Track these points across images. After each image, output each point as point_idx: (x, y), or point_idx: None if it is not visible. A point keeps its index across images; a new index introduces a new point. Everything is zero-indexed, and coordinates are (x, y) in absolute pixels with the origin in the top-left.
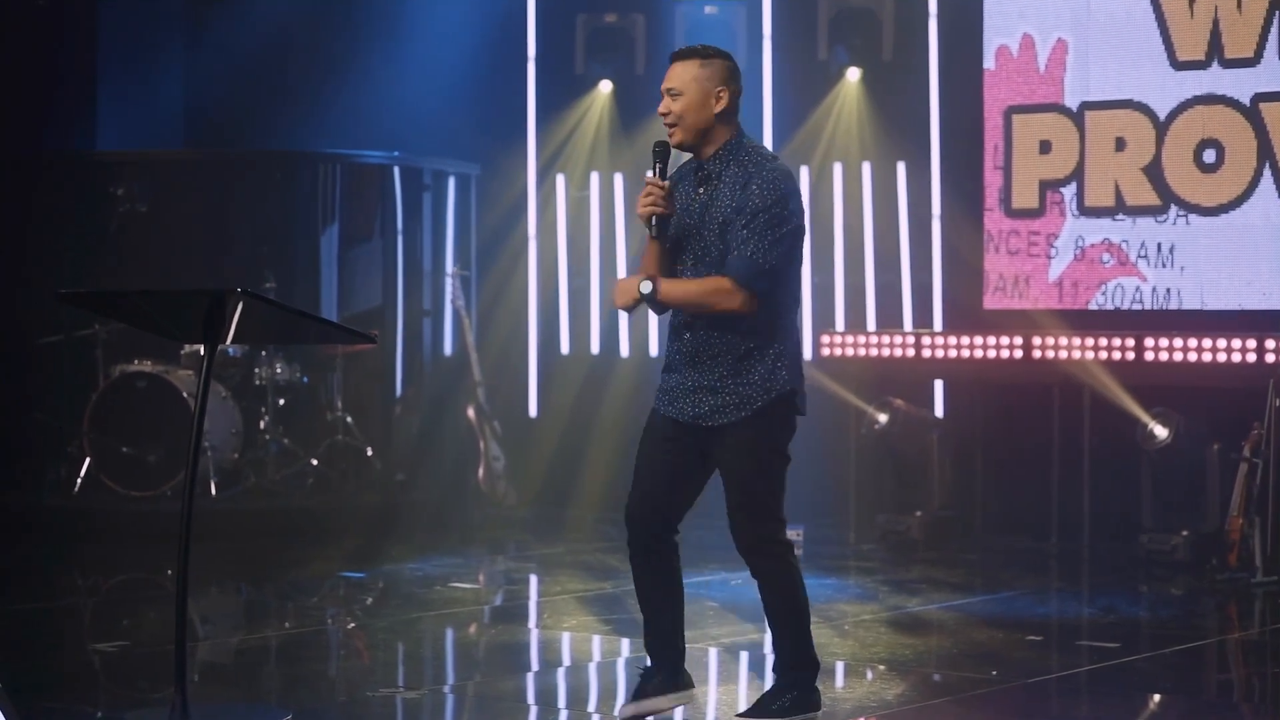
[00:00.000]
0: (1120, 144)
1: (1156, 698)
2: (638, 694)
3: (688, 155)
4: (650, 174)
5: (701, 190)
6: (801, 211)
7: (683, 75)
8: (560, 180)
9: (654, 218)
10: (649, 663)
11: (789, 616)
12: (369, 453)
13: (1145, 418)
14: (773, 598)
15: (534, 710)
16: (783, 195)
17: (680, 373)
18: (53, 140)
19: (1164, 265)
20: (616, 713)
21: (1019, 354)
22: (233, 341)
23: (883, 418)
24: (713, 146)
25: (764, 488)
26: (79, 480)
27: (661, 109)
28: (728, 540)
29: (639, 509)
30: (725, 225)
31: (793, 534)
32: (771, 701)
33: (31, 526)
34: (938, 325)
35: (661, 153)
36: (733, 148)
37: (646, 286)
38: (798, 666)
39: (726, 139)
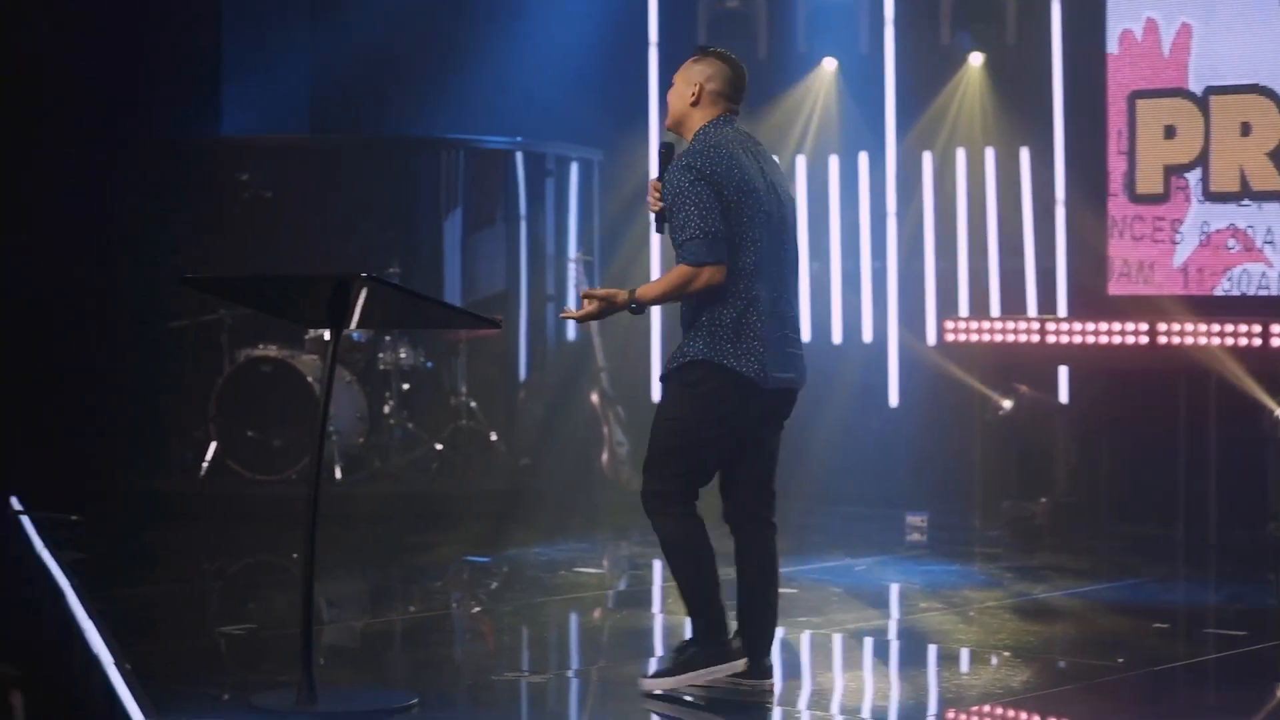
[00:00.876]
0: (1245, 129)
1: None
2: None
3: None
4: (655, 174)
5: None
6: (711, 167)
7: (681, 70)
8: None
9: (656, 215)
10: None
11: (677, 576)
12: (493, 438)
13: (1272, 404)
14: (663, 553)
15: (656, 694)
16: (687, 166)
17: None
18: (179, 127)
19: None
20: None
21: (1144, 340)
22: (357, 326)
23: (1007, 404)
24: (689, 133)
25: (657, 447)
26: (205, 464)
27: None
28: (851, 527)
29: None
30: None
31: (917, 520)
32: (673, 657)
33: (158, 510)
34: (1062, 311)
35: (665, 154)
36: (694, 138)
37: (625, 297)
38: (695, 621)
39: (695, 131)
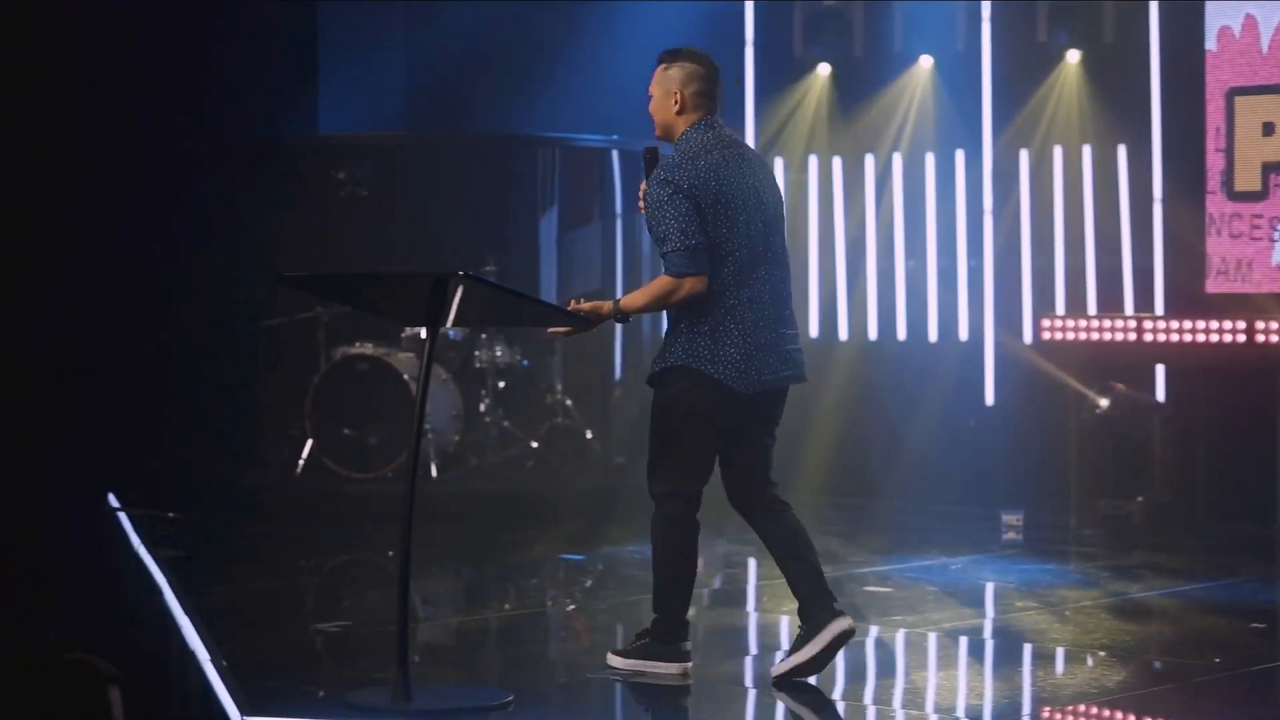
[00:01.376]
0: None
1: None
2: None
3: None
4: (644, 180)
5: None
6: (688, 180)
7: (654, 79)
8: (779, 164)
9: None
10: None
11: (657, 568)
12: (589, 435)
13: None
14: (652, 548)
15: (751, 694)
16: (664, 180)
17: None
18: (276, 125)
19: None
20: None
21: (1241, 338)
22: (453, 324)
23: (1104, 402)
24: (674, 140)
25: (651, 451)
26: (301, 462)
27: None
28: (946, 525)
29: None
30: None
31: (1012, 518)
32: (631, 640)
33: (254, 507)
34: (1159, 309)
35: (650, 159)
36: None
37: (610, 308)
38: (657, 615)
39: (682, 135)
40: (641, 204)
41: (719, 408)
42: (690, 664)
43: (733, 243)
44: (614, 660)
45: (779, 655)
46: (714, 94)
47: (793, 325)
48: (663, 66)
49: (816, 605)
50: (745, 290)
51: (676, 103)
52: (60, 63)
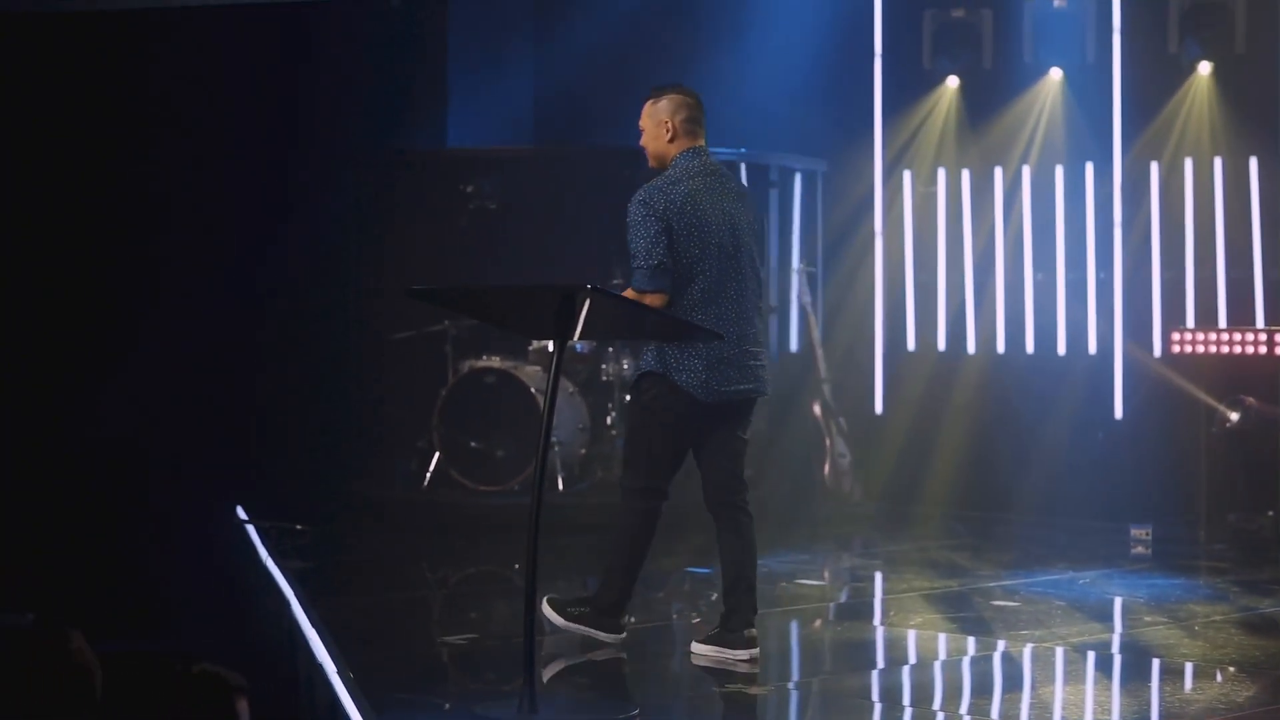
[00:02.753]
0: None
1: None
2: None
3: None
4: None
5: None
6: (664, 203)
7: (644, 112)
8: (907, 176)
9: None
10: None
11: (618, 551)
12: None
13: None
14: (617, 533)
15: (878, 708)
16: (643, 201)
17: None
18: (405, 139)
19: None
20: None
21: None
22: (580, 337)
23: (1234, 415)
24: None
25: (627, 446)
26: (428, 474)
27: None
28: (1074, 539)
29: None
30: None
31: (1141, 532)
32: (571, 604)
33: (382, 519)
34: None
35: None
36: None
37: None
38: (604, 590)
39: (671, 162)
40: None
41: (685, 414)
42: (622, 637)
43: (704, 263)
44: (554, 617)
45: (697, 642)
46: (701, 121)
47: (757, 343)
48: (651, 101)
49: (739, 620)
50: (713, 308)
51: (668, 131)
52: (194, 74)
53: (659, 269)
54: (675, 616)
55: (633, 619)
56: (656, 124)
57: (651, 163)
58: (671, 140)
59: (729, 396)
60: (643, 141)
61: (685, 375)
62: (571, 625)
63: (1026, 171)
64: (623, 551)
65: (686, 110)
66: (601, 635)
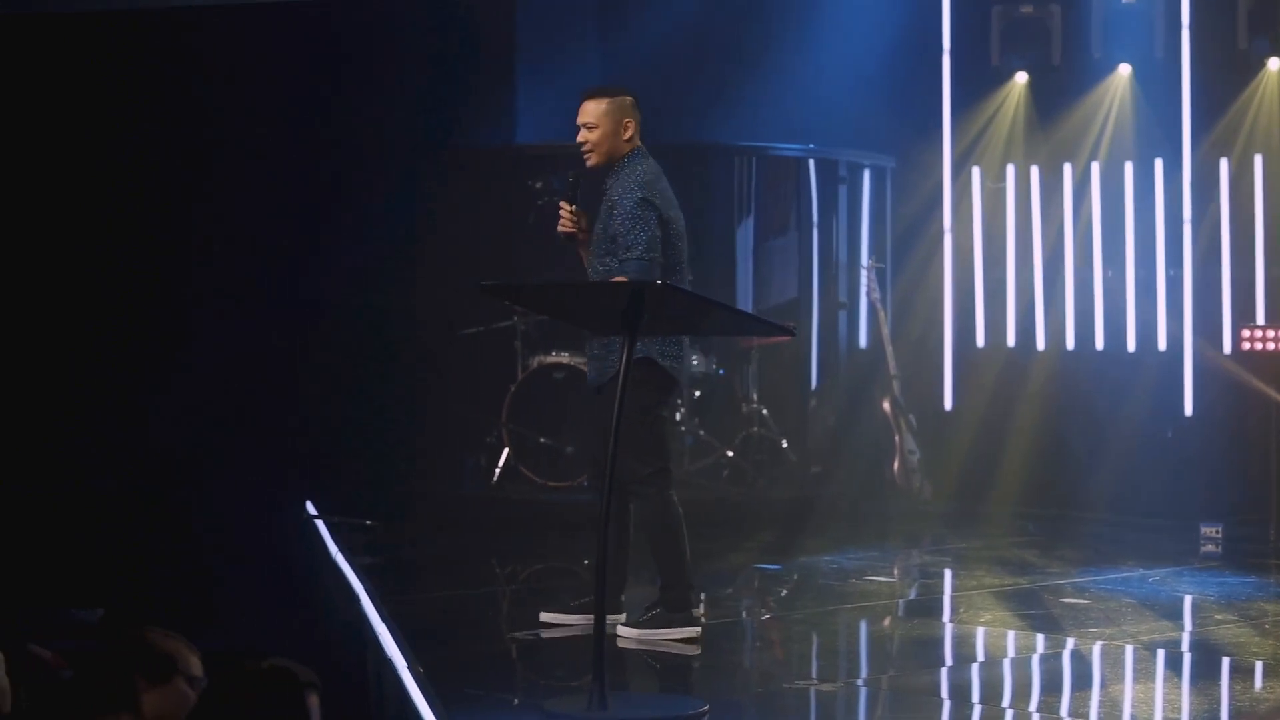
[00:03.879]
0: None
1: None
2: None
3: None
4: (564, 202)
5: (602, 200)
6: (659, 199)
7: (595, 111)
8: (976, 172)
9: (567, 235)
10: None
11: (661, 545)
12: (784, 445)
13: None
14: (648, 530)
15: (947, 705)
16: (643, 200)
17: None
18: (473, 135)
19: None
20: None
21: None
22: (647, 332)
23: None
24: (616, 163)
25: (629, 434)
26: (497, 470)
27: (580, 140)
28: (1144, 538)
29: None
30: (610, 231)
31: (1211, 530)
32: (641, 614)
33: (451, 516)
34: None
35: (573, 185)
36: (621, 165)
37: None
38: (666, 586)
39: (623, 158)
40: (566, 222)
41: (671, 395)
42: (701, 627)
43: (674, 257)
44: (627, 632)
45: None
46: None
47: None
48: (600, 100)
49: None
50: None
51: (627, 130)
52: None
53: (654, 263)
54: (744, 614)
55: (703, 611)
56: (615, 123)
57: (596, 159)
58: (629, 139)
59: (685, 377)
60: (594, 138)
61: (671, 361)
62: (654, 635)
63: (1095, 168)
64: (665, 544)
65: (638, 113)
66: (682, 633)
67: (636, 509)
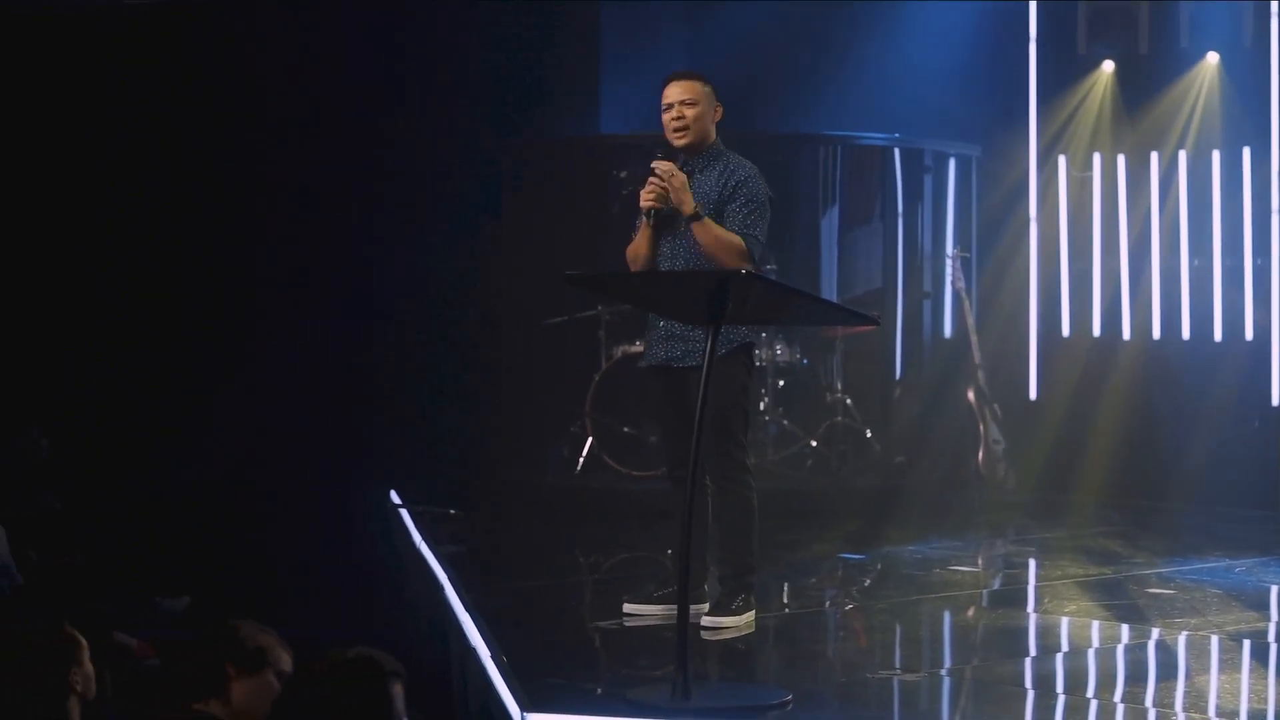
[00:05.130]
0: None
1: None
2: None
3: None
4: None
5: (693, 181)
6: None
7: (697, 89)
8: (1062, 161)
9: (653, 210)
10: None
11: (749, 535)
12: (868, 435)
13: None
14: (744, 519)
15: (1031, 695)
16: (764, 189)
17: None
18: (558, 125)
19: None
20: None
21: None
22: (731, 321)
23: None
24: (703, 147)
25: (729, 424)
26: (581, 460)
27: (675, 116)
28: (1230, 528)
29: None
30: (709, 204)
31: None
32: (729, 603)
33: (535, 505)
34: None
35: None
36: (715, 150)
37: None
38: (745, 571)
39: (712, 142)
40: (655, 194)
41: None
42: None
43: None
44: (721, 621)
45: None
46: None
47: None
48: (698, 80)
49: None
50: None
51: (717, 114)
52: (338, 63)
53: (761, 253)
54: (828, 604)
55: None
56: (711, 105)
57: (689, 138)
58: (715, 122)
59: None
60: (693, 115)
61: (753, 347)
62: (739, 620)
63: (1183, 156)
64: (752, 532)
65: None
66: (753, 615)
67: (726, 498)
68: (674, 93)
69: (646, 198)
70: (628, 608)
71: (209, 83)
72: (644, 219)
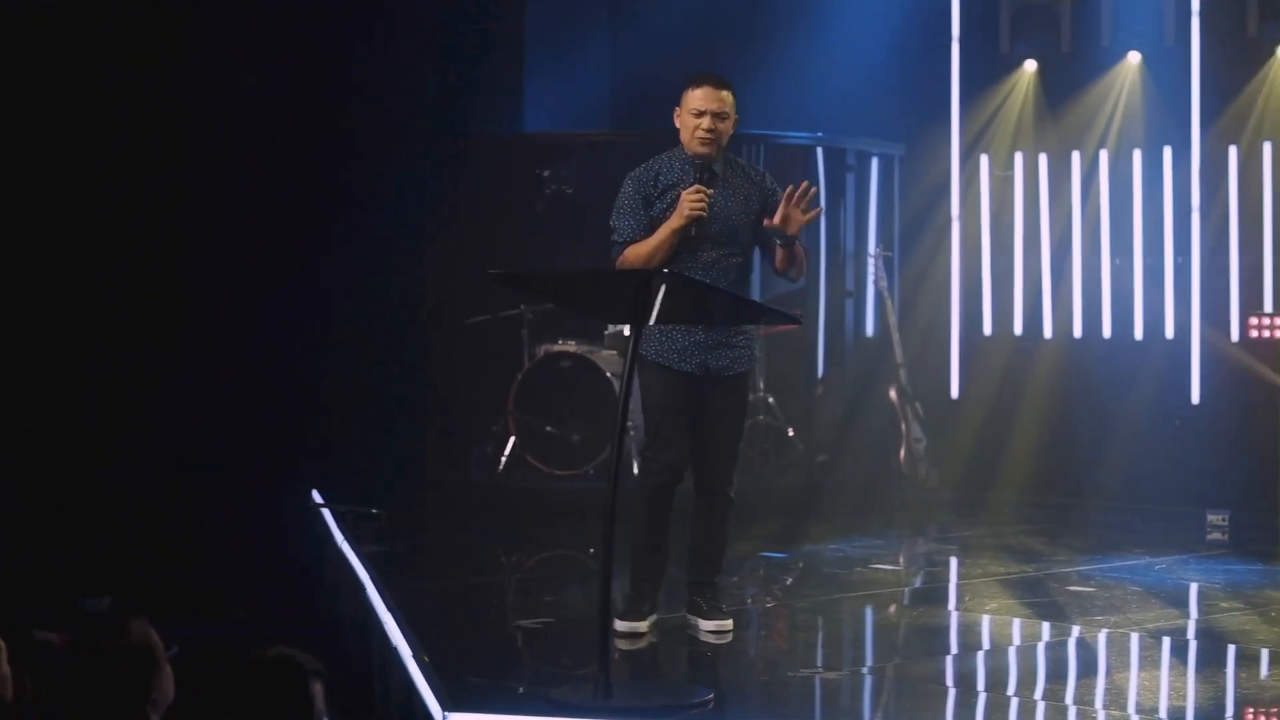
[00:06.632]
0: None
1: None
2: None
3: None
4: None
5: (711, 190)
6: None
7: (730, 102)
8: (984, 160)
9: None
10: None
11: (724, 543)
12: (790, 433)
13: None
14: (723, 530)
15: (953, 693)
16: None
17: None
18: (481, 123)
19: None
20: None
21: None
22: (657, 321)
23: None
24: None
25: (735, 446)
26: (503, 459)
27: (708, 128)
28: (1150, 525)
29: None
30: (750, 214)
31: (1218, 518)
32: (720, 605)
33: (457, 504)
34: None
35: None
36: (728, 155)
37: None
38: (717, 578)
39: (724, 154)
40: (701, 205)
41: None
42: None
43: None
44: (724, 625)
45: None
46: None
47: None
48: (727, 92)
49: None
50: None
51: (736, 122)
52: (260, 61)
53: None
54: (750, 602)
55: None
56: (733, 112)
57: (709, 150)
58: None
59: None
60: (724, 129)
61: None
62: (728, 622)
63: (1104, 155)
64: (728, 539)
65: None
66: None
67: (726, 508)
68: (708, 101)
69: (697, 207)
70: (620, 625)
71: (143, 85)
72: (685, 229)
